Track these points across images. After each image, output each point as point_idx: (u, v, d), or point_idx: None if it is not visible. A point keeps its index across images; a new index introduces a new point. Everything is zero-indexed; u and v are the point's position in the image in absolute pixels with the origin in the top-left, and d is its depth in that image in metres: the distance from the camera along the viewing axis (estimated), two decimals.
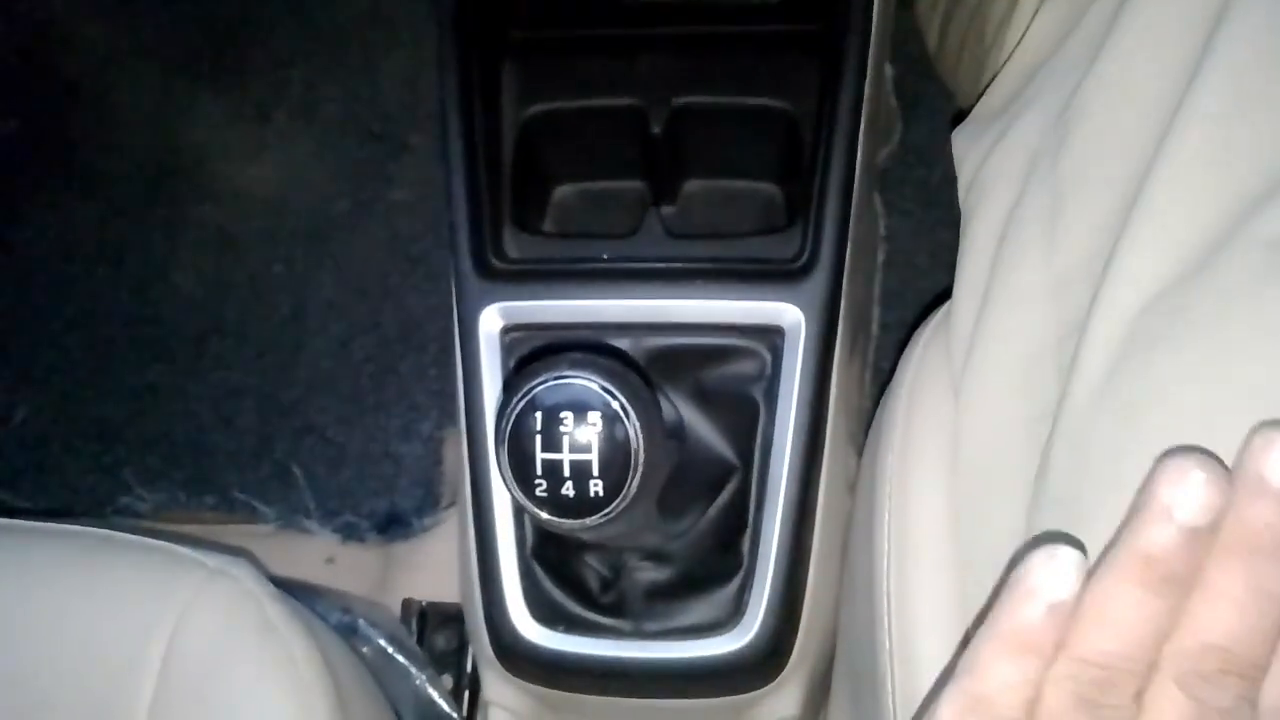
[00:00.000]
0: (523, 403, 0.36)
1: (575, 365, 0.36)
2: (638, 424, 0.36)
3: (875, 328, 0.88)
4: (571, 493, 0.36)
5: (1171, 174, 0.39)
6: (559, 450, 0.35)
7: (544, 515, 0.37)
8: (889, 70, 0.88)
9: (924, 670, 0.45)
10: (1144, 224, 0.40)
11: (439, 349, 0.98)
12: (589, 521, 0.37)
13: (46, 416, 1.02)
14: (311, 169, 1.07)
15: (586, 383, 0.35)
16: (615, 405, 0.35)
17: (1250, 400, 0.36)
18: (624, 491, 0.36)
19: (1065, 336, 0.42)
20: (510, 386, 0.37)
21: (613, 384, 0.35)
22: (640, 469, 0.36)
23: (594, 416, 0.35)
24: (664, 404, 0.56)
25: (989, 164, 0.49)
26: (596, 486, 0.36)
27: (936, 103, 0.97)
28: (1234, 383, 0.36)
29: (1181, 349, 0.38)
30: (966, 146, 0.52)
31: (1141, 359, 0.39)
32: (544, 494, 0.36)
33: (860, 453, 0.61)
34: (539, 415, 0.35)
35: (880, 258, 0.90)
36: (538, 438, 0.35)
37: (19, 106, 1.14)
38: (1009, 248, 0.46)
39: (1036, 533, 0.41)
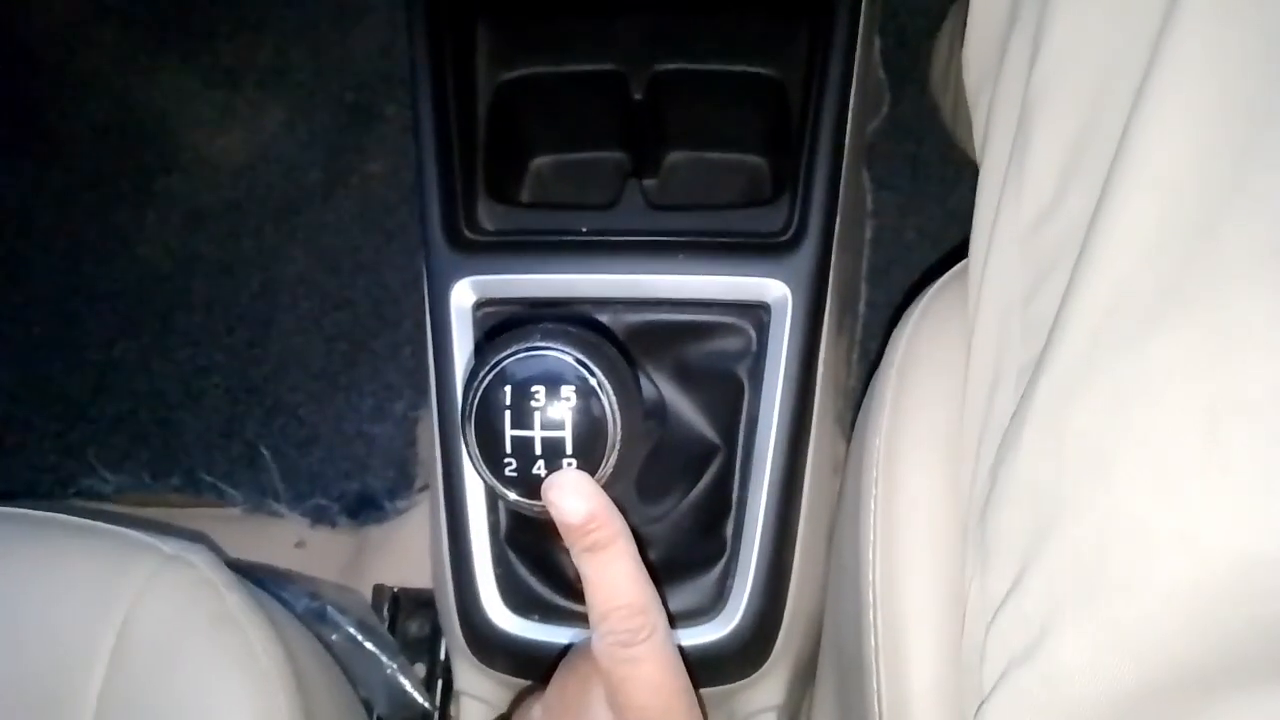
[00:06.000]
0: (490, 376, 0.33)
1: (548, 336, 0.33)
2: (614, 399, 0.33)
3: (862, 306, 0.85)
4: (543, 473, 0.34)
5: (1158, 115, 0.35)
6: (530, 427, 0.33)
7: (512, 496, 0.35)
8: (877, 42, 0.85)
9: (911, 659, 0.43)
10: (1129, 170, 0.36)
11: (413, 326, 0.95)
12: None
13: (6, 394, 0.98)
14: (282, 139, 1.03)
15: (560, 355, 0.33)
16: (591, 380, 0.33)
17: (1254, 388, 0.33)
18: (599, 471, 0.34)
19: (1029, 294, 0.39)
20: (478, 358, 0.34)
21: (588, 356, 0.33)
22: (617, 447, 0.34)
23: (568, 391, 0.33)
24: (644, 383, 0.54)
25: (996, 102, 0.45)
26: (570, 466, 0.33)
27: (924, 78, 0.94)
28: (1238, 371, 0.33)
29: (1178, 333, 0.34)
30: (978, 82, 0.48)
31: (1129, 344, 0.35)
32: (514, 474, 0.34)
33: (848, 435, 0.59)
34: (508, 390, 0.33)
35: (868, 234, 0.88)
36: (507, 413, 0.33)
37: None
38: (1008, 188, 0.43)
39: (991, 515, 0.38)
